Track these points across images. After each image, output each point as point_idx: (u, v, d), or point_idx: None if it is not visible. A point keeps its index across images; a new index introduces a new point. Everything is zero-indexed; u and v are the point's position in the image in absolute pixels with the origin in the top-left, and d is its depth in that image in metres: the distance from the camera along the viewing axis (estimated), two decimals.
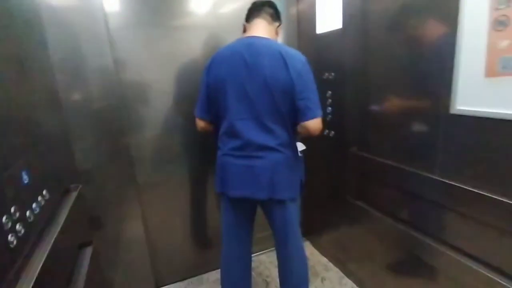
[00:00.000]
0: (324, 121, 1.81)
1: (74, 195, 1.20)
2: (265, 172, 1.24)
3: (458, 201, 1.14)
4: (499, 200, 1.00)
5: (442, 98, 1.14)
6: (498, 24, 0.93)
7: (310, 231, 2.22)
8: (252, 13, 1.35)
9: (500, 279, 1.01)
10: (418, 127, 1.29)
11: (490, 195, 1.02)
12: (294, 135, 1.32)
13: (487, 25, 0.96)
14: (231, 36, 1.47)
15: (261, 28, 1.31)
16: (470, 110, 1.05)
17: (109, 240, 1.64)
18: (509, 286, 0.98)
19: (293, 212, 1.35)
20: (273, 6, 1.36)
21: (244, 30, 1.38)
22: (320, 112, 1.23)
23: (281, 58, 1.18)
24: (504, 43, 0.93)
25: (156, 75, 1.65)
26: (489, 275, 1.04)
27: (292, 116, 1.24)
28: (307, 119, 1.21)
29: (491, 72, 0.97)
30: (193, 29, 1.69)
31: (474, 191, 1.07)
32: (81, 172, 1.50)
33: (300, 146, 1.43)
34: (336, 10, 1.61)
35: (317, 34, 1.81)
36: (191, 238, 1.94)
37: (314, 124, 1.22)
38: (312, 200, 2.09)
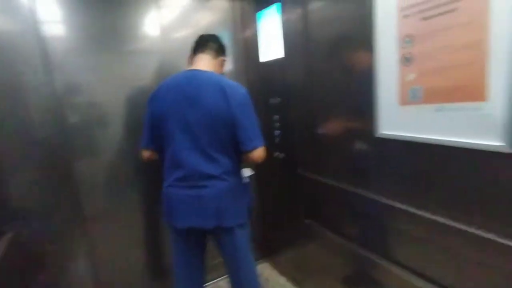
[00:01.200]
0: (273, 144, 1.92)
1: (6, 238, 1.13)
2: (211, 201, 1.26)
3: (390, 217, 1.24)
4: (421, 215, 1.10)
5: (369, 122, 1.25)
6: (405, 60, 1.07)
7: (269, 252, 2.24)
8: (197, 47, 1.39)
9: None
10: (354, 148, 1.39)
11: (414, 211, 1.13)
12: (239, 162, 1.36)
13: (397, 61, 1.09)
14: (182, 61, 1.50)
15: (205, 62, 1.36)
16: (390, 134, 1.17)
17: (51, 284, 1.53)
18: None
19: (242, 238, 1.37)
20: (217, 41, 1.42)
21: (189, 63, 1.42)
22: (261, 142, 1.28)
23: (222, 90, 1.23)
24: (411, 76, 1.06)
25: (105, 101, 1.63)
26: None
27: (235, 145, 1.28)
28: (249, 150, 1.26)
29: (403, 101, 1.10)
30: (144, 54, 1.70)
31: (401, 208, 1.17)
32: (18, 209, 1.41)
33: (247, 172, 1.47)
34: (277, 40, 1.72)
35: (262, 62, 1.91)
36: (146, 270, 1.87)
37: (256, 154, 1.27)
38: (269, 221, 2.13)
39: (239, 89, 1.27)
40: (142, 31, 1.71)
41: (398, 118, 1.13)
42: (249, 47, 2.02)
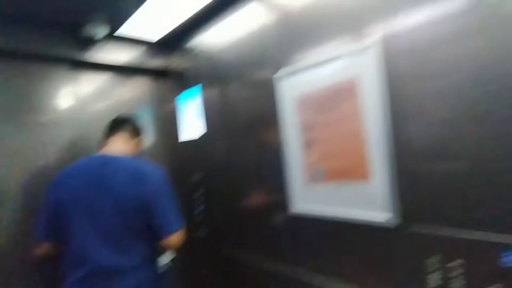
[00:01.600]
0: (195, 221, 1.85)
1: None
2: None
3: None
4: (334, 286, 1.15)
5: (283, 200, 1.33)
6: (306, 145, 1.23)
7: None
8: (111, 130, 1.34)
9: None
10: (271, 225, 1.43)
11: (327, 284, 1.17)
12: (156, 250, 1.26)
13: (300, 144, 1.24)
14: (97, 135, 1.41)
15: (119, 144, 1.31)
16: (300, 211, 1.26)
17: None
18: None
19: None
20: (133, 123, 1.41)
21: (101, 146, 1.35)
22: (179, 225, 1.22)
23: (135, 175, 1.18)
24: (313, 158, 1.21)
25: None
26: None
27: (151, 232, 1.20)
28: (166, 235, 1.18)
29: (309, 180, 1.23)
30: (54, 126, 1.57)
31: (313, 281, 1.21)
32: None
33: (167, 257, 1.37)
34: (199, 118, 1.81)
35: (185, 140, 1.95)
36: None
37: (174, 239, 1.20)
38: None
39: (154, 173, 1.23)
40: (55, 102, 1.60)
41: (305, 196, 1.24)
42: (170, 126, 2.05)
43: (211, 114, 1.76)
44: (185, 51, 1.87)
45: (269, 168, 1.42)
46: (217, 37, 1.65)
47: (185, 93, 1.92)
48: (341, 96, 1.09)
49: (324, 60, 1.14)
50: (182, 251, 1.73)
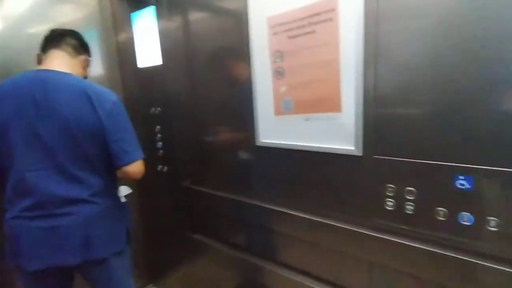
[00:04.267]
0: (155, 157, 1.77)
1: None
2: (75, 232, 1.04)
3: (274, 221, 1.30)
4: (298, 215, 1.20)
5: (251, 132, 1.29)
6: (277, 74, 1.15)
7: (157, 275, 2.05)
8: (49, 43, 1.14)
9: None
10: (239, 158, 1.41)
11: (292, 213, 1.22)
12: (113, 180, 1.18)
13: (270, 74, 1.17)
14: (31, 62, 1.18)
15: (61, 61, 1.11)
16: (269, 142, 1.24)
17: None
18: None
19: (120, 267, 1.19)
20: (76, 37, 1.20)
21: (39, 62, 1.15)
22: (139, 154, 1.14)
23: (86, 96, 1.04)
24: (283, 89, 1.15)
25: None
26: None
27: (107, 160, 1.11)
28: (124, 164, 1.10)
29: (278, 111, 1.18)
30: None
31: (282, 211, 1.25)
32: None
33: (124, 190, 1.30)
34: (155, 46, 1.61)
35: (140, 68, 1.75)
36: None
37: (134, 168, 1.12)
38: (154, 241, 1.95)
39: (108, 96, 1.10)
40: None
41: (274, 127, 1.21)
42: (125, 51, 1.82)
43: (169, 43, 1.57)
44: None
45: (236, 100, 1.34)
46: None
47: (139, 14, 1.67)
48: (318, 18, 1.01)
49: None
50: (142, 186, 1.68)
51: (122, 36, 1.81)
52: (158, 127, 1.73)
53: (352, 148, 1.01)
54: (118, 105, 1.11)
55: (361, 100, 0.97)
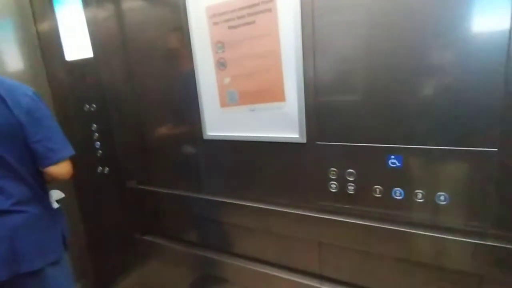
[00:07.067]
0: (94, 158, 1.63)
1: None
2: None
3: (225, 214, 1.30)
4: (247, 205, 1.21)
5: (197, 126, 1.26)
6: (220, 65, 1.13)
7: (107, 282, 1.92)
8: None
9: (279, 273, 1.22)
10: (186, 153, 1.37)
11: (242, 203, 1.23)
12: (42, 185, 1.06)
13: (213, 65, 1.14)
14: None
15: None
16: (216, 135, 1.22)
17: None
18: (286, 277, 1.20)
19: (59, 277, 1.09)
20: None
21: None
22: (67, 151, 1.05)
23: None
24: (227, 80, 1.14)
25: None
26: (274, 273, 1.23)
27: (32, 163, 0.99)
28: (50, 164, 1.00)
29: (223, 103, 1.17)
30: None
31: (232, 203, 1.25)
32: None
33: (57, 195, 1.17)
34: (84, 37, 1.47)
35: (68, 62, 1.58)
36: None
37: (60, 168, 1.03)
38: (101, 247, 1.81)
39: (23, 90, 0.98)
40: None
41: (220, 119, 1.19)
42: (49, 43, 1.62)
43: (101, 34, 1.44)
44: None
45: (180, 93, 1.29)
46: None
47: (61, 0, 1.50)
48: (256, 8, 1.01)
49: None
50: (80, 190, 1.54)
51: (44, 26, 1.61)
52: (95, 125, 1.59)
53: (297, 136, 1.05)
54: (36, 100, 1.00)
55: (302, 89, 1.00)
